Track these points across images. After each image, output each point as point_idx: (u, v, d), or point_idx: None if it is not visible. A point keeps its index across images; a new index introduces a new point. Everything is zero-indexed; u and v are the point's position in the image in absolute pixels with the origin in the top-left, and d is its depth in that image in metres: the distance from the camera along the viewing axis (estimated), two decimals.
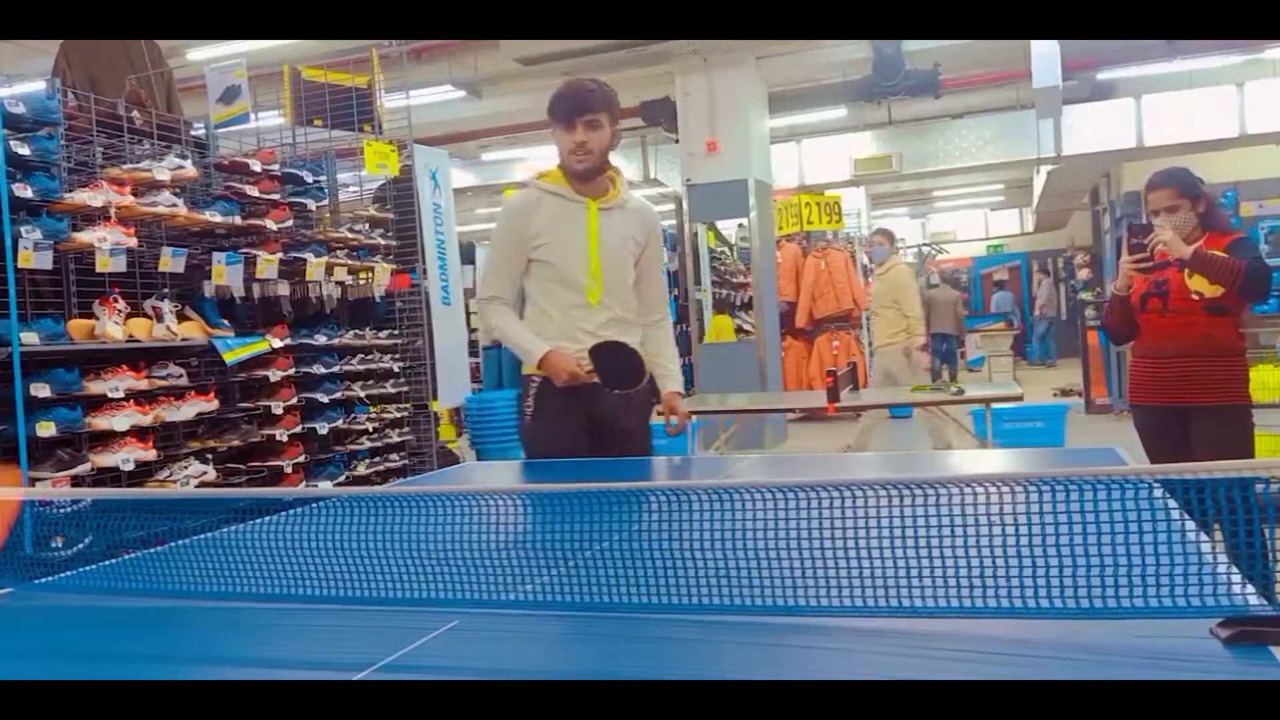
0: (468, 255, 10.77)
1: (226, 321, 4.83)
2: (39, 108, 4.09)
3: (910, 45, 9.63)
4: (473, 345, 8.89)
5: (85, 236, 4.10)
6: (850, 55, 10.06)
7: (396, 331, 6.04)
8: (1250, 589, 1.15)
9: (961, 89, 11.28)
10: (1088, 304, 11.24)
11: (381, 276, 5.85)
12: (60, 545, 1.69)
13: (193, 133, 5.24)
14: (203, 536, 1.73)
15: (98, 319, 4.21)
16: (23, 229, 3.85)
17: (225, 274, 4.75)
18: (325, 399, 5.36)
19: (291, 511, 1.66)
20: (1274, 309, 7.19)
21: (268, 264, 4.92)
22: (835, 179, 12.96)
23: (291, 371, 5.13)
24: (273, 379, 5.01)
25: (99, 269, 4.16)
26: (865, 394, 6.24)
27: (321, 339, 5.40)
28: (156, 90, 5.23)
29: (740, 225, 10.52)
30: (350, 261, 5.63)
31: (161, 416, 4.35)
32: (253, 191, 4.95)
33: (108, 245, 4.14)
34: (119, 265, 4.21)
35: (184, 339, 4.54)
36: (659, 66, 9.61)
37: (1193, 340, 3.45)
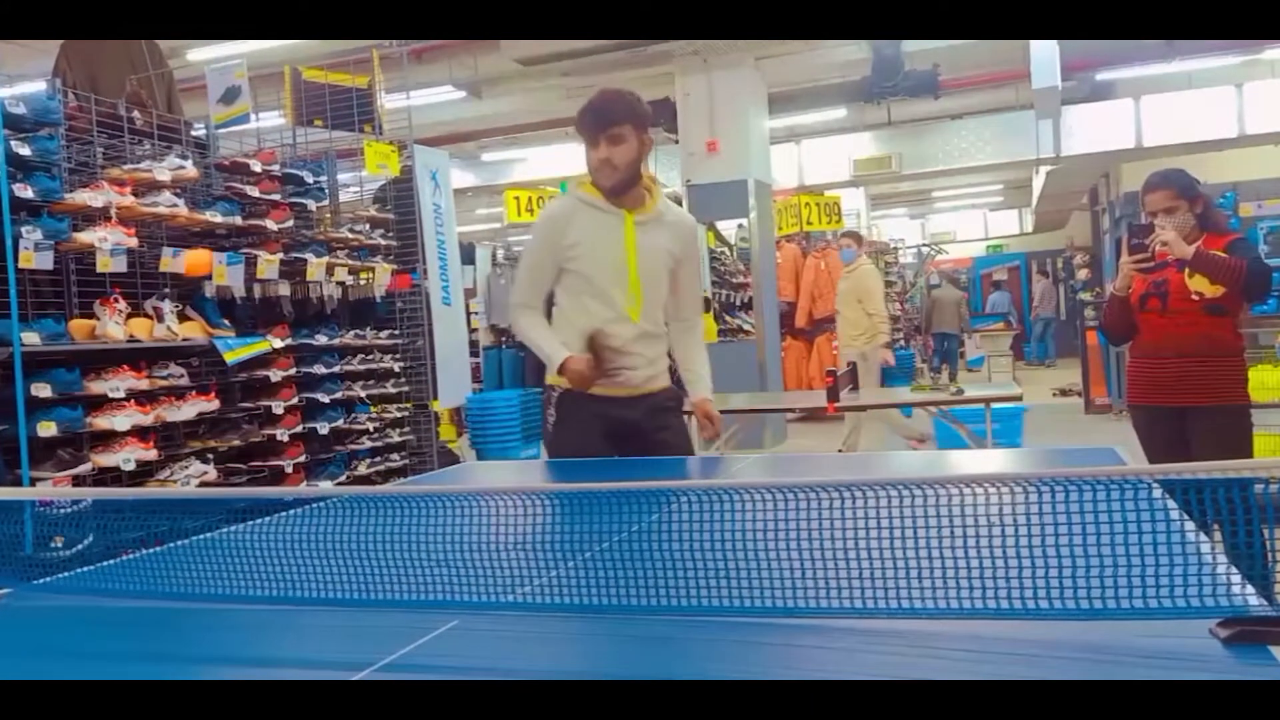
0: (468, 255, 10.75)
1: (227, 321, 4.83)
2: (39, 108, 4.10)
3: (910, 45, 9.63)
4: (473, 345, 8.89)
5: (86, 237, 4.11)
6: (850, 56, 10.06)
7: (397, 331, 6.05)
8: (1250, 589, 1.15)
9: (961, 89, 11.29)
10: (1087, 304, 11.24)
11: (382, 277, 5.86)
12: (60, 545, 1.69)
13: (193, 133, 5.25)
14: (203, 537, 1.73)
15: (99, 319, 4.22)
16: (23, 229, 3.85)
17: (226, 274, 4.75)
18: (326, 399, 5.36)
19: (292, 511, 1.66)
20: (1274, 309, 7.19)
21: (268, 264, 4.93)
22: (835, 179, 12.98)
23: (292, 371, 5.14)
24: (273, 379, 5.01)
25: (100, 269, 4.16)
26: (865, 394, 6.24)
27: (322, 339, 5.40)
28: (157, 90, 5.24)
29: (740, 226, 10.52)
30: (351, 262, 5.64)
31: (162, 416, 4.36)
32: (253, 192, 4.96)
33: (108, 245, 4.14)
34: (120, 265, 4.22)
35: (185, 339, 4.54)
36: (659, 67, 9.62)
37: (1192, 341, 3.45)
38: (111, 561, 1.66)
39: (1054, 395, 12.67)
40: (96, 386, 4.11)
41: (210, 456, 4.72)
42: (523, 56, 9.12)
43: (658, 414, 2.95)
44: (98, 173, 4.42)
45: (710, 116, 9.47)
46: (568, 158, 12.63)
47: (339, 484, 5.34)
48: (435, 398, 6.33)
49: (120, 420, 4.14)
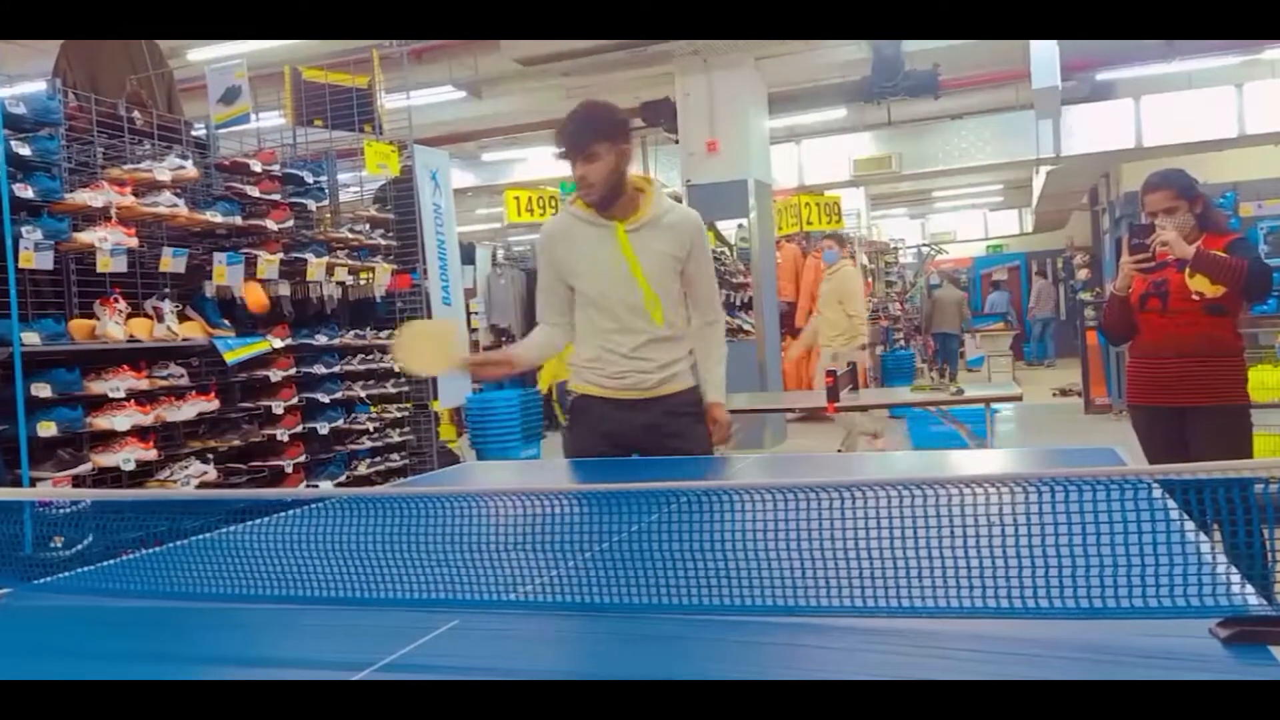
0: (468, 255, 10.76)
1: (227, 321, 4.83)
2: (40, 108, 4.10)
3: (910, 45, 9.63)
4: (473, 346, 8.89)
5: (86, 237, 4.11)
6: (850, 56, 10.06)
7: (397, 331, 6.04)
8: (1250, 589, 1.15)
9: (961, 89, 11.29)
10: (1087, 304, 11.24)
11: (382, 277, 5.86)
12: (60, 545, 1.69)
13: (193, 133, 5.25)
14: (203, 537, 1.73)
15: (99, 319, 4.22)
16: (24, 229, 3.85)
17: (226, 274, 4.75)
18: (326, 399, 5.36)
19: (292, 511, 1.66)
20: (1274, 309, 7.19)
21: (268, 264, 4.93)
22: (835, 179, 12.98)
23: (292, 371, 5.14)
24: (273, 379, 5.01)
25: (100, 269, 4.16)
26: (865, 394, 6.24)
27: (322, 339, 5.40)
28: (157, 90, 5.24)
29: (740, 225, 10.52)
30: (351, 262, 5.64)
31: (162, 416, 4.36)
32: (253, 192, 4.96)
33: (108, 245, 4.14)
34: (120, 265, 4.22)
35: (185, 339, 4.54)
36: (659, 67, 9.62)
37: (1192, 341, 3.45)
38: (111, 561, 1.66)
39: (1054, 395, 12.67)
40: (96, 386, 4.11)
41: (210, 456, 4.72)
42: (523, 56, 9.12)
43: (670, 419, 2.92)
44: (98, 173, 4.42)
45: (710, 116, 9.46)
46: None
47: (339, 484, 5.34)
48: (435, 398, 6.33)
49: (120, 420, 4.14)
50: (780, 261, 11.05)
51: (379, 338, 5.89)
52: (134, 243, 4.29)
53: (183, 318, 4.61)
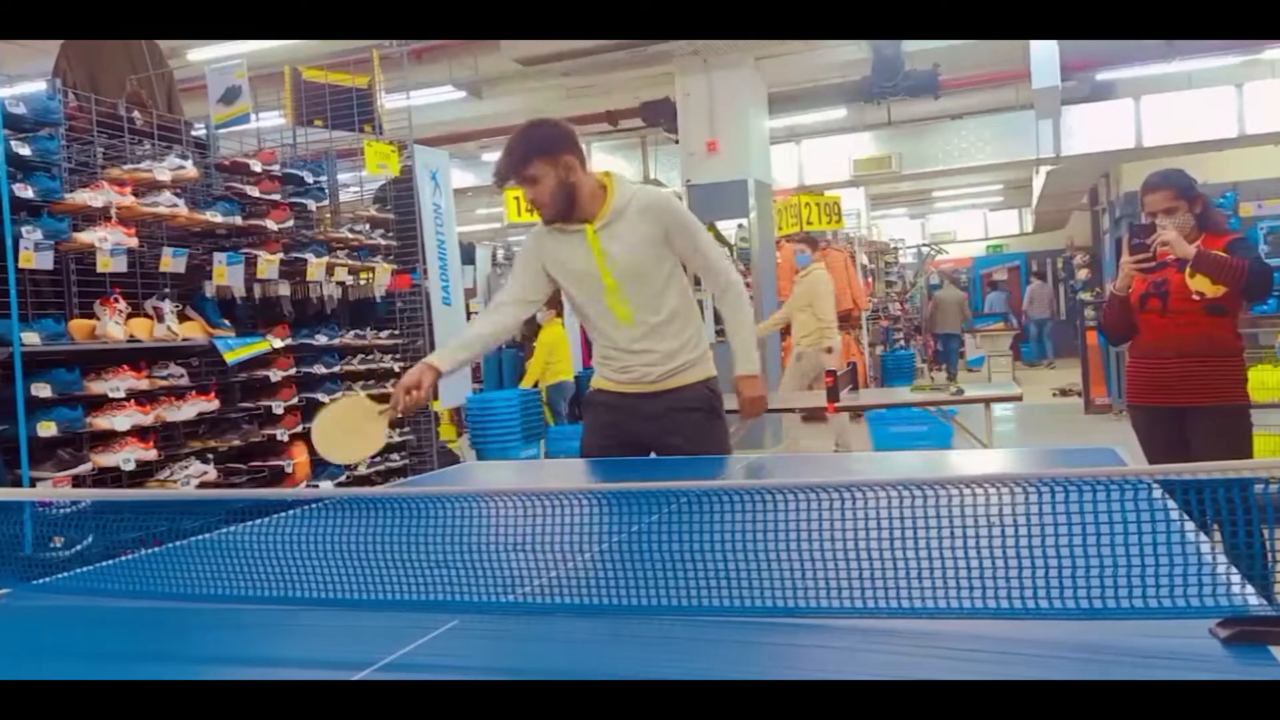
0: (468, 255, 10.76)
1: (227, 321, 4.83)
2: (40, 108, 4.09)
3: (910, 45, 9.63)
4: None
5: (86, 237, 4.10)
6: (850, 56, 10.06)
7: (397, 332, 6.05)
8: (1250, 589, 1.15)
9: (961, 89, 11.28)
10: (1087, 304, 11.24)
11: (382, 277, 5.86)
12: (60, 545, 1.69)
13: (193, 133, 5.25)
14: (202, 537, 1.73)
15: (99, 319, 4.22)
16: (23, 229, 3.85)
17: (226, 274, 4.75)
18: (326, 399, 5.36)
19: (291, 512, 1.66)
20: (1274, 309, 7.20)
21: (268, 264, 4.92)
22: (835, 179, 12.97)
23: (292, 371, 5.14)
24: (273, 379, 5.01)
25: (100, 269, 4.16)
26: (865, 394, 6.24)
27: (322, 339, 5.40)
28: (157, 90, 5.24)
29: (740, 225, 10.51)
30: (351, 262, 5.64)
31: (162, 416, 4.36)
32: (253, 192, 4.95)
33: (108, 245, 4.14)
34: (120, 265, 4.21)
35: (185, 339, 4.54)
36: (659, 67, 9.61)
37: (1192, 341, 3.45)
38: (111, 562, 1.66)
39: (1054, 395, 12.67)
40: (96, 386, 4.11)
41: (210, 456, 4.72)
42: (523, 56, 9.11)
43: (674, 415, 2.90)
44: (98, 173, 4.42)
45: (710, 116, 9.46)
46: None
47: (339, 484, 5.34)
48: (435, 398, 6.32)
49: (120, 420, 4.14)
50: (780, 261, 11.04)
51: (379, 338, 5.89)
52: (134, 243, 4.28)
53: (183, 318, 4.61)
